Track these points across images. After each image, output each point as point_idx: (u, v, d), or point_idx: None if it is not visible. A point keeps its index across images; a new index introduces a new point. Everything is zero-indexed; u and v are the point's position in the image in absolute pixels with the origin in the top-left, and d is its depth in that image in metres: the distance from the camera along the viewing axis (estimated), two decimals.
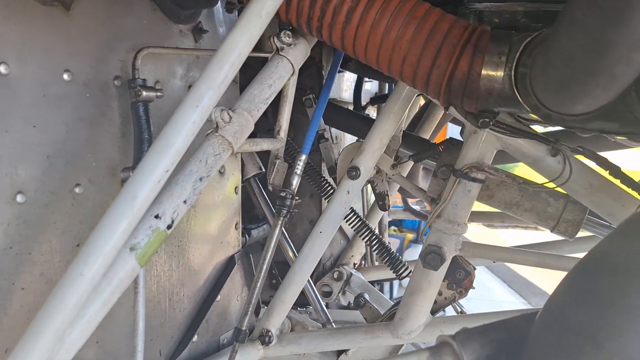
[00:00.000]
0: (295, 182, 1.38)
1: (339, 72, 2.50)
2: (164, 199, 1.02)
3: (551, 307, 0.91)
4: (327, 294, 2.33)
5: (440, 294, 1.56)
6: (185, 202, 1.05)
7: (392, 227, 8.07)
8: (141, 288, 1.14)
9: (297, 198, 1.39)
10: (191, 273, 1.46)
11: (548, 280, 7.26)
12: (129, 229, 0.94)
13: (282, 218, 1.38)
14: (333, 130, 2.50)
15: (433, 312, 1.56)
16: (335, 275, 2.31)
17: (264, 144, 1.30)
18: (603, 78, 0.79)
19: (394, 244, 6.58)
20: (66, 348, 0.91)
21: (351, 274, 2.33)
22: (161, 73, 1.33)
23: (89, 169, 1.13)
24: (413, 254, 7.18)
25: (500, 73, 1.10)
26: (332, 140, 2.47)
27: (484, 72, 1.10)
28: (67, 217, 1.09)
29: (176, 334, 1.42)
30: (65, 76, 1.07)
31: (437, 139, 2.54)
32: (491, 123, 1.21)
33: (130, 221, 0.93)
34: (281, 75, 1.27)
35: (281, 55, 1.28)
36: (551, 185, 1.34)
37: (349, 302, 2.69)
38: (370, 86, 3.21)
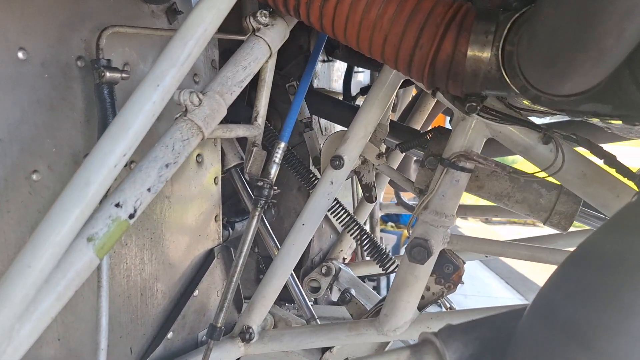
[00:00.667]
0: (274, 171, 1.31)
1: (329, 61, 2.42)
2: (125, 187, 0.96)
3: (539, 304, 0.85)
4: (315, 290, 2.26)
5: (428, 289, 1.49)
6: (149, 190, 0.98)
7: (390, 224, 8.02)
8: (105, 282, 1.08)
9: (275, 188, 1.32)
10: (165, 267, 1.39)
11: (545, 275, 7.20)
12: (83, 217, 0.87)
13: (259, 209, 1.31)
14: (322, 121, 2.43)
15: (420, 308, 1.49)
16: (324, 270, 2.24)
17: (239, 130, 1.23)
18: (592, 52, 0.72)
19: (390, 240, 6.53)
20: (15, 345, 0.85)
21: (340, 269, 2.27)
22: (130, 56, 1.26)
23: (47, 155, 1.06)
24: None
25: (486, 53, 1.02)
26: (321, 131, 2.41)
27: (469, 52, 1.03)
28: (23, 206, 1.02)
29: (149, 331, 1.35)
30: (20, 54, 0.99)
31: None
32: (478, 108, 1.14)
33: (83, 209, 0.86)
34: (257, 57, 1.19)
35: (257, 36, 1.21)
36: (542, 174, 1.27)
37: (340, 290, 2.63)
38: (363, 77, 3.14)
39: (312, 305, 2.40)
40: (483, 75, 1.04)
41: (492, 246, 1.41)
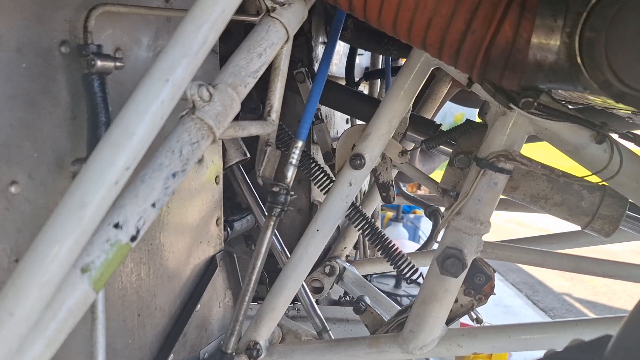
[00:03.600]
0: (291, 174, 1.15)
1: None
2: (125, 203, 0.78)
3: (629, 333, 0.72)
4: (317, 290, 2.11)
5: (456, 301, 1.35)
6: (154, 205, 0.80)
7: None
8: (101, 313, 0.90)
9: (292, 193, 1.15)
10: (164, 281, 1.22)
11: (555, 276, 7.21)
12: (78, 245, 0.69)
13: (274, 218, 1.14)
14: (323, 108, 2.25)
15: (448, 322, 1.35)
16: (327, 270, 2.09)
17: (252, 128, 1.05)
18: None
19: None
20: None
21: (344, 268, 2.11)
22: (122, 39, 1.07)
23: (27, 162, 0.87)
24: (392, 232, 7.02)
25: (555, 40, 0.87)
26: (322, 121, 2.23)
27: (534, 38, 0.87)
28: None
29: (147, 355, 1.18)
30: None
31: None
32: (535, 104, 0.98)
33: (77, 238, 0.68)
34: (273, 42, 1.02)
35: (273, 17, 1.03)
36: (596, 178, 1.13)
37: (340, 295, 2.49)
38: (360, 60, 2.96)
39: None
40: (549, 66, 0.88)
41: (530, 255, 1.27)
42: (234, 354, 1.21)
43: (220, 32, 0.78)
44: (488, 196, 1.20)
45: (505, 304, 6.54)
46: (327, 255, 2.23)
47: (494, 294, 1.34)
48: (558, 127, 1.14)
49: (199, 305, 1.33)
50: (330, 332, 1.56)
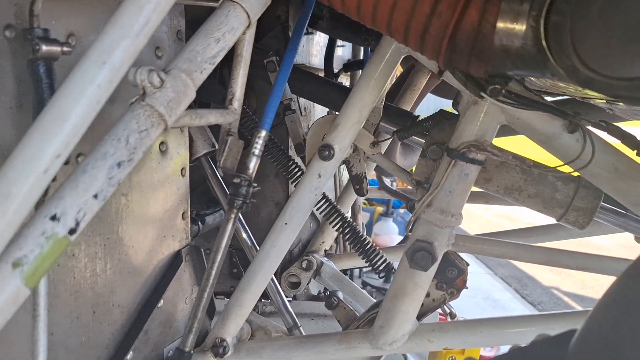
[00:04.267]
0: (253, 165, 1.10)
1: (308, 33, 2.19)
2: (65, 194, 0.74)
3: (590, 338, 0.70)
4: (294, 285, 2.07)
5: (427, 295, 1.31)
6: (96, 196, 0.76)
7: (362, 200, 7.83)
8: (42, 311, 0.86)
9: (255, 185, 1.11)
10: (124, 277, 1.17)
11: (537, 267, 7.20)
12: (4, 237, 0.65)
13: (235, 210, 1.10)
14: (301, 100, 2.21)
15: (419, 316, 1.31)
16: (304, 265, 2.05)
17: (210, 117, 1.01)
18: None
19: (363, 217, 6.30)
20: None
21: (322, 262, 2.07)
22: (77, 24, 1.02)
23: None
24: (382, 227, 7.00)
25: (521, 25, 0.83)
26: (300, 112, 2.18)
27: (500, 23, 0.83)
28: None
29: (104, 354, 1.14)
30: None
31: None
32: (503, 91, 0.95)
33: (4, 228, 0.64)
34: (233, 27, 0.97)
35: (233, 1, 0.98)
36: (568, 168, 1.09)
37: (319, 291, 2.45)
38: (342, 52, 2.91)
39: (289, 301, 2.22)
40: (515, 52, 0.85)
41: (502, 248, 1.24)
42: (192, 352, 1.17)
43: (163, 13, 0.74)
44: (459, 188, 1.16)
45: (494, 298, 6.55)
46: (306, 249, 2.19)
47: (467, 288, 1.31)
48: (530, 116, 1.11)
49: (162, 302, 1.29)
50: (301, 328, 1.52)
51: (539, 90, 1.28)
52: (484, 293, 6.63)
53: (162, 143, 1.26)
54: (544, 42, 0.78)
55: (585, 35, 0.71)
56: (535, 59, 0.83)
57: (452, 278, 1.30)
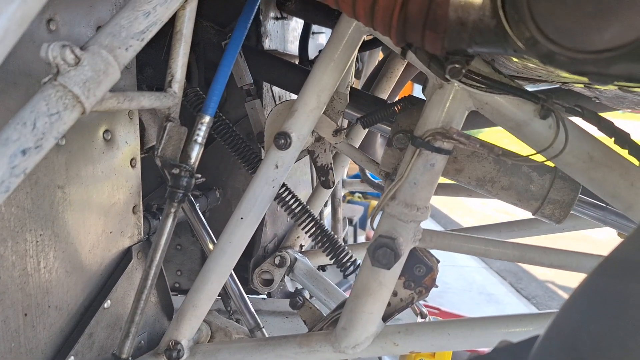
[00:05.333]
0: (195, 154, 1.01)
1: (283, 18, 2.10)
2: None
3: (555, 335, 0.63)
4: (267, 283, 1.98)
5: (395, 294, 1.23)
6: None
7: (357, 194, 7.74)
8: None
9: (198, 176, 1.02)
10: (61, 276, 1.08)
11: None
12: None
13: (175, 204, 1.01)
14: (276, 89, 2.11)
15: (385, 318, 1.23)
16: (277, 261, 1.96)
17: (143, 100, 0.91)
18: None
19: (357, 212, 6.21)
20: None
21: (296, 258, 1.99)
22: (59, 7, 0.94)
23: None
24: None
25: None
26: (275, 101, 2.09)
27: None
28: None
29: (39, 359, 1.05)
30: None
31: None
32: (464, 71, 0.85)
33: None
34: (166, 0, 0.88)
35: None
36: (540, 157, 1.01)
37: (296, 287, 2.36)
38: (324, 39, 2.81)
39: (264, 299, 2.14)
40: (472, 24, 0.75)
41: (472, 244, 1.15)
42: (129, 358, 1.08)
43: None
44: (425, 179, 1.07)
45: (488, 292, 6.47)
46: (280, 245, 2.10)
47: (437, 286, 1.22)
48: (499, 101, 1.02)
49: (109, 302, 1.20)
50: (263, 329, 1.43)
51: (513, 76, 1.19)
52: (478, 287, 6.55)
53: (106, 131, 1.17)
54: (501, 12, 0.69)
55: (542, 2, 0.62)
56: (495, 33, 0.74)
57: (420, 276, 1.22)
